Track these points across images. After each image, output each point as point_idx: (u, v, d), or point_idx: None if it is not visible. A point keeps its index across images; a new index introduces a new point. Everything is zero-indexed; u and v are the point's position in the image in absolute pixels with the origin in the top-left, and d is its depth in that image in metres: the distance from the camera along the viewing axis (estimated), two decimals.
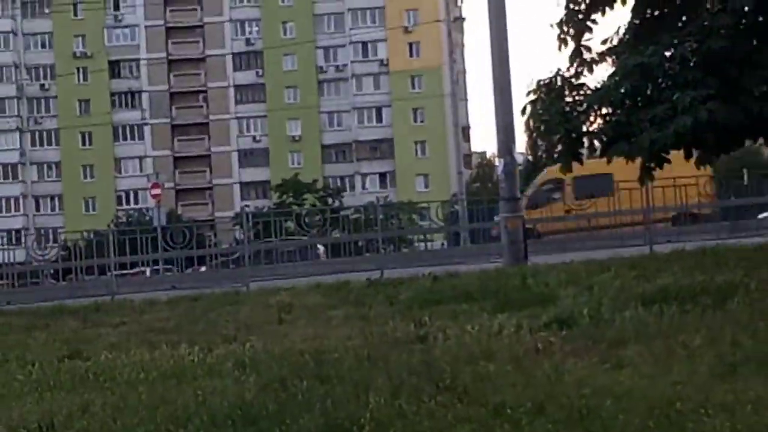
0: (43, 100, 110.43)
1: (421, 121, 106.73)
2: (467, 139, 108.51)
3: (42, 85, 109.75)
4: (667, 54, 16.75)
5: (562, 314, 10.86)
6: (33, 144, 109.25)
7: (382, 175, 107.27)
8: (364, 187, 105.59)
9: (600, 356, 8.50)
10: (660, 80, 16.86)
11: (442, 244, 39.52)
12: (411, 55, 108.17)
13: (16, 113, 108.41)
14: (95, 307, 17.82)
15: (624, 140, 16.84)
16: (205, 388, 8.54)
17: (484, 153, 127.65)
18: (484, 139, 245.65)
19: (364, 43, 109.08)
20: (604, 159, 17.42)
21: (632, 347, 8.83)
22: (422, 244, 32.85)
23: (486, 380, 7.86)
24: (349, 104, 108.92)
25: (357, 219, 37.51)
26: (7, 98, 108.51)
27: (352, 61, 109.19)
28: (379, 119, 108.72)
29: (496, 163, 27.95)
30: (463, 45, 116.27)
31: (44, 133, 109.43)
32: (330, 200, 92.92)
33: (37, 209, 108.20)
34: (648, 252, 21.76)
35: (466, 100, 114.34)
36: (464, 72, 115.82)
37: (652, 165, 17.25)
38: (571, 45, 17.95)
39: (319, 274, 23.15)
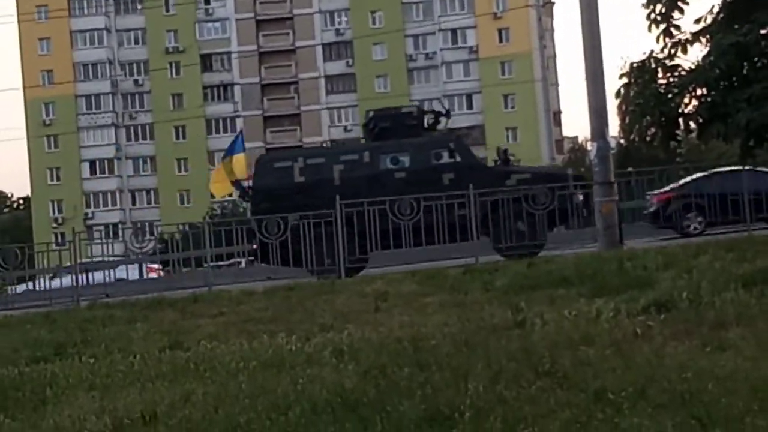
0: (137, 96, 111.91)
1: (512, 107, 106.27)
2: (559, 123, 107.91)
3: (136, 81, 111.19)
4: (763, 32, 16.50)
5: (661, 297, 10.73)
6: (128, 139, 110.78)
7: None
8: None
9: (701, 339, 8.40)
10: (756, 59, 16.63)
11: None
12: (501, 41, 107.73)
13: (111, 109, 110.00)
14: (193, 299, 18.00)
15: (720, 121, 16.65)
16: (305, 376, 8.58)
17: (576, 138, 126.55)
18: (576, 124, 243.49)
19: (453, 30, 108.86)
20: None
21: (733, 329, 8.71)
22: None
23: (586, 365, 7.81)
24: (439, 92, 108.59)
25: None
26: (102, 94, 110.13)
27: (441, 49, 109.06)
28: (470, 106, 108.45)
29: (589, 147, 27.68)
30: (553, 29, 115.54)
31: (139, 128, 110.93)
32: None
33: (133, 203, 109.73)
34: (745, 235, 21.46)
35: (557, 84, 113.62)
36: (555, 56, 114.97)
37: (752, 144, 17.01)
38: (662, 25, 17.74)
39: (413, 262, 23.15)
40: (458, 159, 25.91)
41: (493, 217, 24.75)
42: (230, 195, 35.57)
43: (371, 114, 28.41)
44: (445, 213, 24.08)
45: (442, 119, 28.43)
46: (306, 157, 27.35)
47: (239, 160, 29.89)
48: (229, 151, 30.68)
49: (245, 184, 28.58)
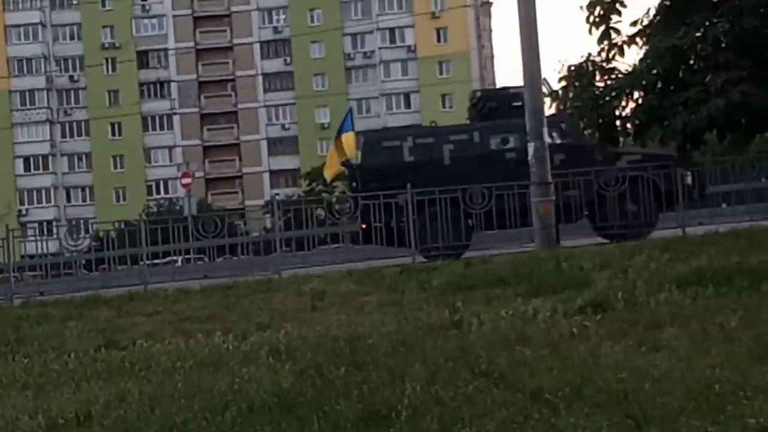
0: (72, 92, 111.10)
1: (450, 107, 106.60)
2: None
3: (71, 77, 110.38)
4: (699, 35, 16.62)
5: (597, 298, 10.80)
6: (63, 135, 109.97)
7: None
8: None
9: (636, 339, 8.46)
10: (692, 62, 16.75)
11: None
12: (439, 41, 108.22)
13: (46, 105, 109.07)
14: (129, 297, 17.89)
15: (657, 124, 16.75)
16: (242, 375, 8.55)
17: None
18: None
19: (392, 30, 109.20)
20: None
21: (668, 330, 8.78)
22: None
23: (522, 365, 7.84)
24: (377, 91, 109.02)
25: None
26: (36, 90, 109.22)
27: (379, 48, 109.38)
28: (408, 105, 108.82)
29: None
30: (491, 30, 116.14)
31: (74, 124, 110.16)
32: None
33: (69, 200, 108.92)
34: (681, 234, 21.67)
35: (495, 85, 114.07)
36: (492, 57, 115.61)
37: (689, 147, 17.15)
38: (602, 28, 17.83)
39: (350, 261, 23.18)
40: (568, 140, 25.89)
41: (600, 199, 24.99)
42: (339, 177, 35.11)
43: (479, 94, 28.47)
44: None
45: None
46: (415, 137, 27.37)
47: (348, 139, 29.78)
48: (339, 131, 30.55)
49: (353, 162, 28.45)
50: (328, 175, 33.62)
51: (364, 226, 25.40)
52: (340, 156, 29.62)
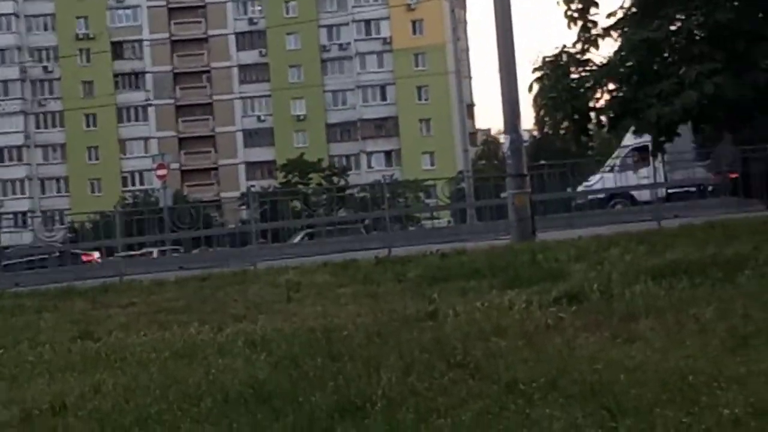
0: (46, 83, 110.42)
1: (426, 99, 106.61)
2: (472, 116, 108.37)
3: (45, 68, 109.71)
4: (673, 28, 16.69)
5: (573, 289, 10.84)
6: (37, 126, 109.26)
7: (388, 154, 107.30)
8: (369, 166, 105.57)
9: (611, 331, 8.50)
10: (666, 55, 16.82)
11: (449, 222, 39.50)
12: (414, 33, 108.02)
13: (19, 96, 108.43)
14: (104, 289, 17.85)
15: (631, 116, 16.82)
16: (217, 366, 8.56)
17: (488, 130, 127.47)
18: (488, 117, 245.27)
19: (367, 22, 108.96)
20: None
21: (643, 321, 8.82)
22: (429, 221, 32.82)
23: (497, 356, 7.86)
24: (353, 83, 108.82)
25: (363, 197, 37.47)
26: (10, 81, 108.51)
27: (355, 40, 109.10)
28: (384, 97, 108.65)
29: (502, 140, 27.95)
30: (466, 22, 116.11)
31: (48, 116, 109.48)
32: (336, 179, 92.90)
33: (43, 192, 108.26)
34: (656, 227, 21.74)
35: (471, 77, 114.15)
36: (468, 49, 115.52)
37: (663, 139, 17.21)
38: (580, 22, 17.87)
39: (326, 253, 23.16)
40: None
41: None
42: None
43: None
44: None
45: None
46: None
47: None
48: None
49: None
50: None
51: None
52: None
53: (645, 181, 27.31)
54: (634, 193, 30.47)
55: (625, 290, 10.52)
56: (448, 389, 7.00)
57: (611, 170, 31.22)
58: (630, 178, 27.39)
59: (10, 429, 7.22)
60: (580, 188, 28.76)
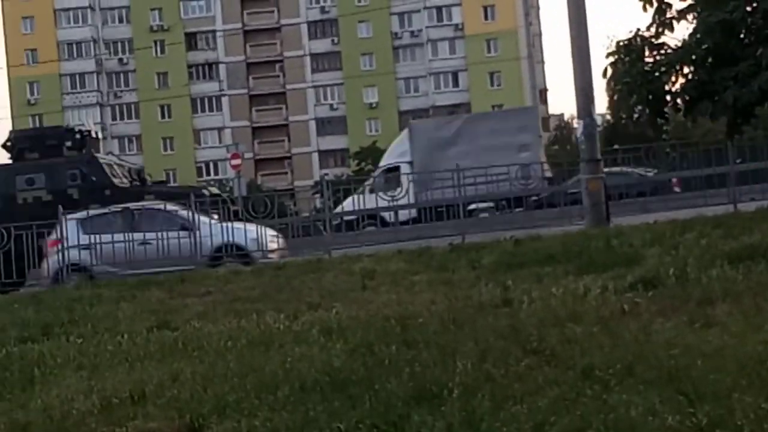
0: (121, 74, 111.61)
1: (498, 85, 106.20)
2: (545, 101, 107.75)
3: (120, 60, 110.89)
4: (749, 9, 16.48)
5: (648, 274, 10.76)
6: (113, 118, 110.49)
7: None
8: None
9: (688, 316, 8.42)
10: (742, 36, 16.61)
11: (520, 208, 39.31)
12: (486, 19, 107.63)
13: (96, 88, 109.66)
14: (181, 278, 17.99)
15: (707, 99, 16.64)
16: (293, 354, 8.60)
17: (561, 115, 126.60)
18: (561, 101, 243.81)
19: (439, 8, 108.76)
20: None
21: (720, 306, 8.74)
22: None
23: (573, 342, 7.83)
24: (425, 70, 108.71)
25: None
26: (86, 73, 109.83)
27: (427, 26, 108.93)
28: (456, 84, 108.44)
29: (575, 125, 27.74)
30: (538, 6, 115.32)
31: (124, 107, 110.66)
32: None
33: None
34: (732, 210, 21.48)
35: (543, 62, 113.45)
36: (540, 34, 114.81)
37: (738, 121, 17.00)
38: (655, 4, 17.69)
39: (399, 241, 23.15)
40: None
41: None
42: None
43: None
44: None
45: None
46: None
47: None
48: None
49: None
50: None
51: None
52: None
53: (403, 201, 27.12)
54: (384, 214, 30.29)
55: (702, 274, 10.42)
56: (524, 376, 6.99)
57: (363, 192, 31.02)
58: (380, 200, 27.24)
59: (91, 417, 7.31)
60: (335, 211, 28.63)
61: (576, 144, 25.75)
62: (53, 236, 23.29)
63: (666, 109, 18.02)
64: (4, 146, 30.69)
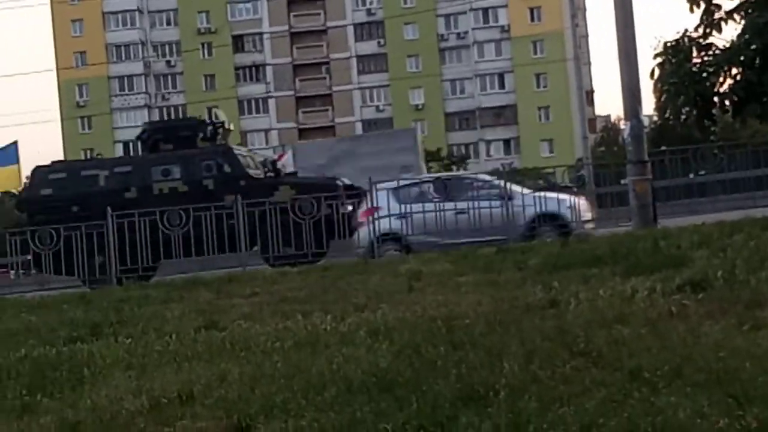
0: (169, 77, 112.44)
1: (545, 87, 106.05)
2: (591, 102, 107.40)
3: (168, 62, 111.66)
4: None
5: (696, 276, 10.69)
6: (161, 120, 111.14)
7: (506, 142, 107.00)
8: (488, 154, 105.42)
9: (737, 318, 8.37)
10: None
11: None
12: (532, 20, 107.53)
13: (144, 90, 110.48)
14: (228, 279, 18.07)
15: (756, 100, 16.54)
16: (340, 356, 8.61)
17: (608, 116, 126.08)
18: (608, 103, 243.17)
19: (485, 10, 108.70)
20: None
21: None
22: None
23: (621, 344, 7.80)
24: (471, 71, 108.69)
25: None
26: (134, 75, 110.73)
27: (473, 28, 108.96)
28: (502, 86, 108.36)
29: (622, 126, 27.64)
30: (585, 8, 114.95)
31: (172, 109, 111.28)
32: (455, 168, 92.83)
33: None
34: None
35: (590, 63, 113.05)
36: (587, 35, 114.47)
37: None
38: (702, 5, 17.60)
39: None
40: None
41: None
42: None
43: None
44: None
45: None
46: None
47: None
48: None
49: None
50: None
51: None
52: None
53: None
54: None
55: (750, 277, 10.34)
56: (571, 377, 6.97)
57: None
58: None
59: (140, 417, 7.36)
60: None
61: (623, 145, 25.62)
62: (363, 207, 23.54)
63: (714, 111, 17.93)
64: (138, 138, 30.92)
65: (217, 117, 33.79)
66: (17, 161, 30.95)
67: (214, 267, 23.02)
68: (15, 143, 31.68)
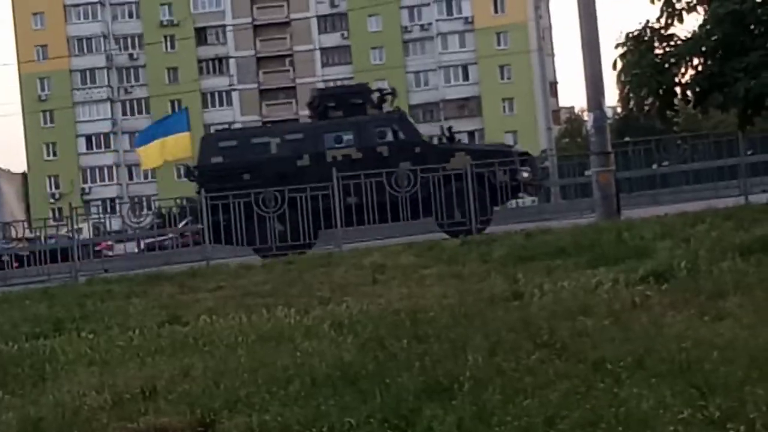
0: (132, 70, 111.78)
1: (508, 78, 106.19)
2: (555, 94, 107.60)
3: (130, 55, 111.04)
4: (759, 0, 16.44)
5: (659, 267, 10.74)
6: (124, 113, 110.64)
7: (471, 133, 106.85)
8: None
9: (699, 308, 8.41)
10: (753, 27, 16.57)
11: (533, 201, 39.30)
12: (496, 12, 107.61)
13: (106, 83, 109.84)
14: (191, 273, 18.03)
15: (718, 90, 16.61)
16: (304, 349, 8.60)
17: (572, 108, 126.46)
18: (571, 94, 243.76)
19: (449, 1, 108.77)
20: None
21: (732, 298, 8.72)
22: (513, 201, 32.66)
23: (584, 335, 7.82)
24: (435, 63, 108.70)
25: None
26: (97, 69, 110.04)
27: (436, 20, 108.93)
28: (466, 77, 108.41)
29: (586, 117, 27.76)
30: (548, 0, 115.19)
31: (134, 102, 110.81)
32: None
33: (130, 178, 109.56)
34: (743, 202, 21.45)
35: (553, 55, 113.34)
36: (550, 27, 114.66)
37: (750, 113, 16.97)
38: None
39: (408, 235, 23.17)
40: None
41: None
42: None
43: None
44: None
45: None
46: None
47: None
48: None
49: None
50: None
51: None
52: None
53: None
54: None
55: (713, 267, 10.40)
56: (535, 369, 6.98)
57: None
58: None
59: (103, 413, 7.32)
60: None
61: (586, 137, 25.70)
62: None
63: (676, 101, 18.00)
64: (309, 105, 30.51)
65: (385, 87, 33.49)
66: (188, 128, 30.47)
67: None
68: (186, 109, 31.26)
